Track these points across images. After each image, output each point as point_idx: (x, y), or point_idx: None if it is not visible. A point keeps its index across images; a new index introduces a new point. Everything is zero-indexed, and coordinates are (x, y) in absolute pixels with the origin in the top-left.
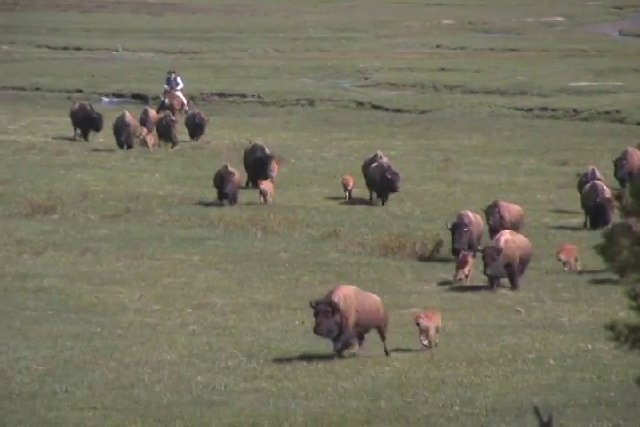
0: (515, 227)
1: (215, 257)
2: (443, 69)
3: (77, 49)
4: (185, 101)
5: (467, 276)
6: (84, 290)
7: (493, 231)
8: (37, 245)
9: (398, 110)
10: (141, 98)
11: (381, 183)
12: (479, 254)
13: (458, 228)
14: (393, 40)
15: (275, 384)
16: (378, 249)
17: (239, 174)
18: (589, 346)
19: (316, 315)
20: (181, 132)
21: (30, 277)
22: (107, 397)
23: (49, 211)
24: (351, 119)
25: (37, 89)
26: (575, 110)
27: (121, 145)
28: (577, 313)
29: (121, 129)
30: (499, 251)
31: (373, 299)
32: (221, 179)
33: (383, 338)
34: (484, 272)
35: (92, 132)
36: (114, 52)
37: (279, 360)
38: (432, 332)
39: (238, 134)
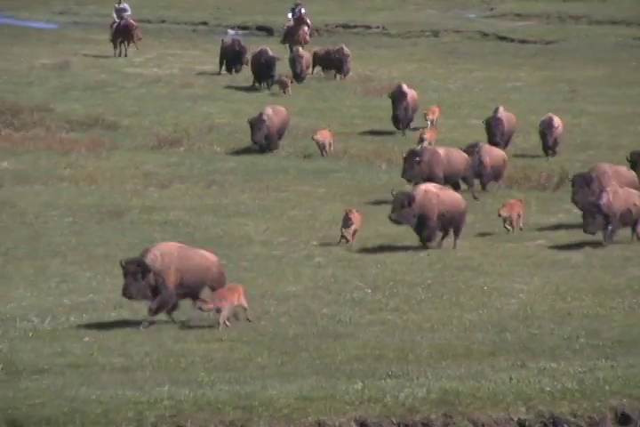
0: (496, 173)
1: (340, 189)
2: None
3: None
4: (308, 32)
5: (353, 235)
6: (210, 222)
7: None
8: (164, 177)
9: (523, 41)
10: (266, 30)
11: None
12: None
13: (410, 157)
14: None
15: (400, 316)
16: (503, 181)
17: (278, 120)
18: None
19: (124, 276)
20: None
21: (157, 210)
22: (233, 329)
23: (175, 143)
24: (476, 50)
25: (163, 22)
26: None
27: (259, 81)
28: None
29: (269, 65)
30: (411, 198)
31: (203, 257)
32: (251, 126)
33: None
34: (388, 217)
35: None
36: None
37: (404, 292)
38: (227, 312)
39: (363, 66)
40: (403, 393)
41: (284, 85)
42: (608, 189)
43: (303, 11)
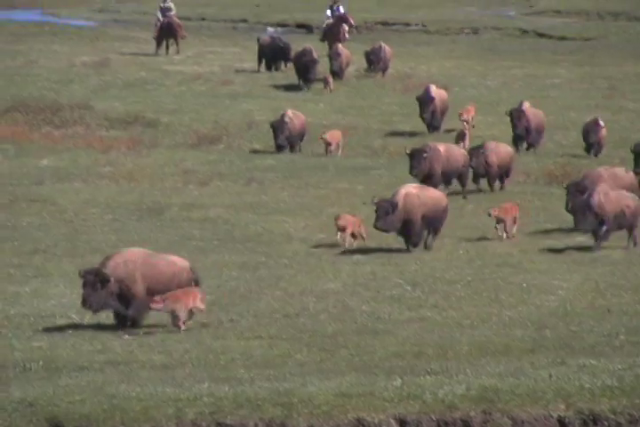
0: (503, 171)
1: (379, 187)
2: None
3: None
4: (347, 30)
5: (353, 237)
6: (250, 220)
7: (478, 175)
8: (203, 175)
9: (563, 38)
10: (305, 28)
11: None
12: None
13: (417, 154)
14: None
15: (439, 313)
16: (543, 178)
17: (298, 123)
18: None
19: (82, 286)
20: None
21: (196, 208)
22: (272, 326)
23: (214, 141)
24: (515, 47)
25: (203, 19)
26: None
27: (305, 82)
28: None
29: (309, 66)
30: (394, 205)
31: (170, 264)
32: (274, 129)
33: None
34: (374, 226)
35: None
36: None
37: (444, 289)
38: (182, 314)
39: (402, 64)
40: (442, 390)
41: (326, 83)
42: (598, 189)
43: (342, 10)
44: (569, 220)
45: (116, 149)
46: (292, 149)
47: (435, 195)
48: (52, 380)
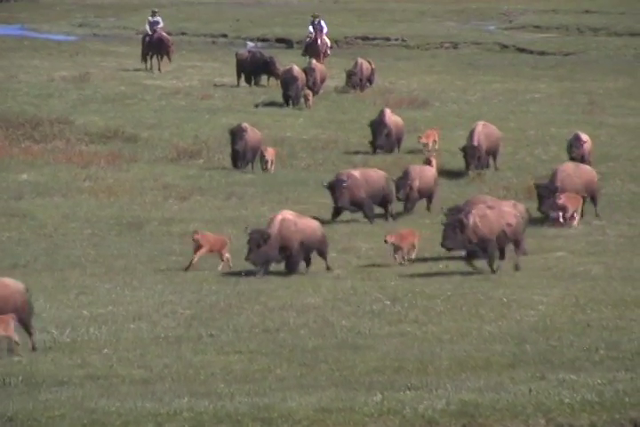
0: (427, 193)
1: None
2: (587, 11)
3: None
4: (329, 45)
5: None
6: (230, 234)
7: (405, 201)
8: (183, 189)
9: (542, 53)
10: (286, 42)
11: None
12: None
13: (336, 184)
14: None
15: (419, 328)
16: (523, 192)
17: (254, 138)
18: None
19: None
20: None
21: (176, 222)
22: (252, 341)
23: (194, 156)
24: (495, 62)
25: (183, 34)
26: None
27: (287, 100)
28: None
29: (290, 83)
30: (265, 236)
31: (2, 286)
32: (233, 135)
33: (28, 330)
34: (245, 259)
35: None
36: None
37: (424, 304)
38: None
39: (382, 78)
40: (422, 405)
41: (305, 98)
42: (474, 211)
43: (325, 29)
44: (549, 235)
45: (96, 164)
46: (244, 160)
47: (313, 225)
48: (31, 395)
